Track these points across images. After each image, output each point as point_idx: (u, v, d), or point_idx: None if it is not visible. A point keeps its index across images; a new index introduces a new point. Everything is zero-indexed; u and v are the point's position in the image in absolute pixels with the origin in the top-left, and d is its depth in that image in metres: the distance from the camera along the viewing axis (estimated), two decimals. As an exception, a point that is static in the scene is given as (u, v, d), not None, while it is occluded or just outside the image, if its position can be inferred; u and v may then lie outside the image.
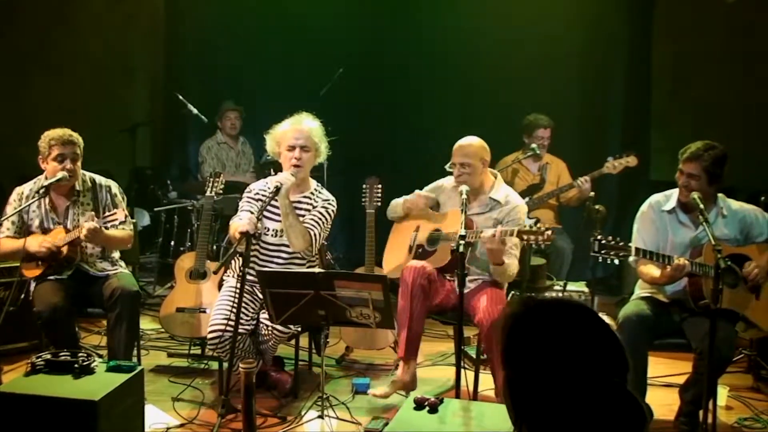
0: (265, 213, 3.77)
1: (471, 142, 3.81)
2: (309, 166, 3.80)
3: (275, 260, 3.81)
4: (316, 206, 3.83)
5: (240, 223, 3.53)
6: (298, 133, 3.73)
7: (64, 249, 3.70)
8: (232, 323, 3.47)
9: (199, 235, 4.37)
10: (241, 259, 3.92)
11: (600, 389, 1.22)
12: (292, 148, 3.73)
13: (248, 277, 3.84)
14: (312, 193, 3.87)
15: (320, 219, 3.79)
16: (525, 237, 3.34)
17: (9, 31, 6.24)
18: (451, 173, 3.85)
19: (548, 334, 1.27)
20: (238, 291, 3.77)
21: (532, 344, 1.27)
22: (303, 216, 3.78)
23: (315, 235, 3.73)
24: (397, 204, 4.07)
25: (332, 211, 3.85)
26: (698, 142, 3.40)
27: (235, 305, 3.66)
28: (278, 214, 3.73)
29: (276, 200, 3.64)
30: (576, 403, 1.22)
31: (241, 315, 3.62)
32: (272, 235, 3.80)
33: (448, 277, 3.77)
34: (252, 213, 3.68)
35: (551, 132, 5.45)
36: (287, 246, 3.76)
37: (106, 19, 6.65)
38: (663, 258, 3.29)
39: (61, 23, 6.47)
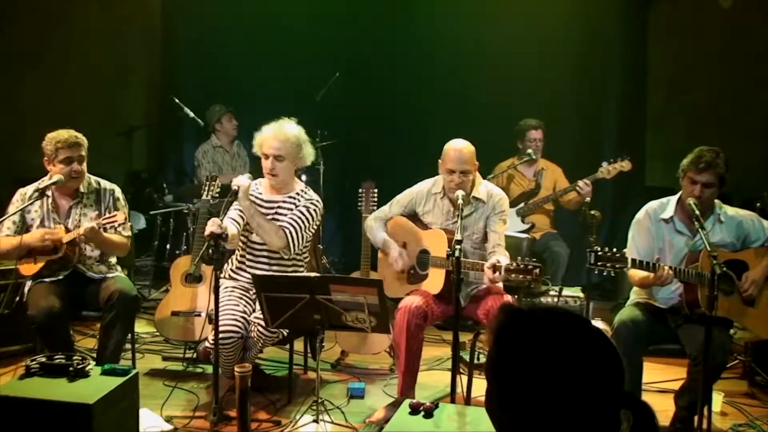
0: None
1: (465, 146, 3.72)
2: (285, 174, 3.78)
3: (262, 259, 3.82)
4: (298, 206, 3.80)
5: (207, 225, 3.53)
6: (274, 141, 3.73)
7: (64, 247, 3.67)
8: (241, 323, 3.56)
9: (194, 238, 4.36)
10: (231, 259, 3.93)
11: (597, 400, 1.18)
12: (267, 157, 3.76)
13: (239, 277, 3.85)
14: (297, 194, 3.85)
15: (299, 218, 3.74)
16: (513, 276, 3.31)
17: (4, 33, 6.21)
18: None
19: (539, 345, 1.21)
20: (233, 289, 3.77)
21: (523, 357, 1.21)
22: (285, 216, 3.77)
23: (290, 233, 3.69)
24: (374, 237, 3.98)
25: (314, 211, 3.79)
26: (702, 148, 3.36)
27: (238, 306, 3.68)
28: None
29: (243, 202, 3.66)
30: (571, 415, 1.18)
31: (241, 319, 3.63)
32: (256, 233, 3.80)
33: (445, 300, 3.71)
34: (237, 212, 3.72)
35: (543, 133, 5.46)
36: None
37: (102, 21, 6.62)
38: (655, 267, 3.28)
39: (56, 25, 6.44)
